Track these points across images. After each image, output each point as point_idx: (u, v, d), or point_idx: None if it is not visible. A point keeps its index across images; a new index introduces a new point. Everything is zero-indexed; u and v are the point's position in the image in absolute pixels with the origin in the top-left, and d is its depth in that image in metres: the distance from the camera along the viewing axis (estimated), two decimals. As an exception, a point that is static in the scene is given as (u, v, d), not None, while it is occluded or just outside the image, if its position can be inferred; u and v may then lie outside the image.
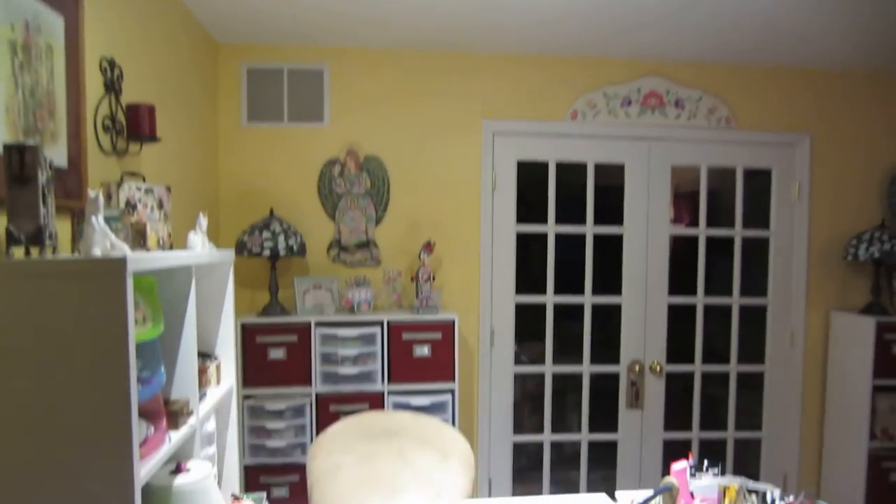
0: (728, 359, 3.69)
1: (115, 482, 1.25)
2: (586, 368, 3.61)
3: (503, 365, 3.55)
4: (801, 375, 3.68)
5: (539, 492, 3.61)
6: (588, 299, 3.58)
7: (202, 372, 2.05)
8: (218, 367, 2.15)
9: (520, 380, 3.60)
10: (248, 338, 3.09)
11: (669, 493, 1.76)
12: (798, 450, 3.70)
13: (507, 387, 3.55)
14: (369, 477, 2.28)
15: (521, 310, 3.56)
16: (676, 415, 3.67)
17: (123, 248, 1.47)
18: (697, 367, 3.67)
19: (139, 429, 1.45)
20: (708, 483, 2.03)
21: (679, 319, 3.64)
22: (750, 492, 1.87)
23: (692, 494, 1.96)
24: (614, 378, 3.64)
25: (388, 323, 3.14)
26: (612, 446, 3.65)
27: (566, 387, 3.66)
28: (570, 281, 3.59)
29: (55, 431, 1.23)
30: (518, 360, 3.60)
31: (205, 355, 2.17)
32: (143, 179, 2.16)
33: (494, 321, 3.52)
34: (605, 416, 3.66)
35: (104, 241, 1.45)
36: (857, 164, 3.68)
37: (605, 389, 3.65)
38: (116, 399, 1.25)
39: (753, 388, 3.74)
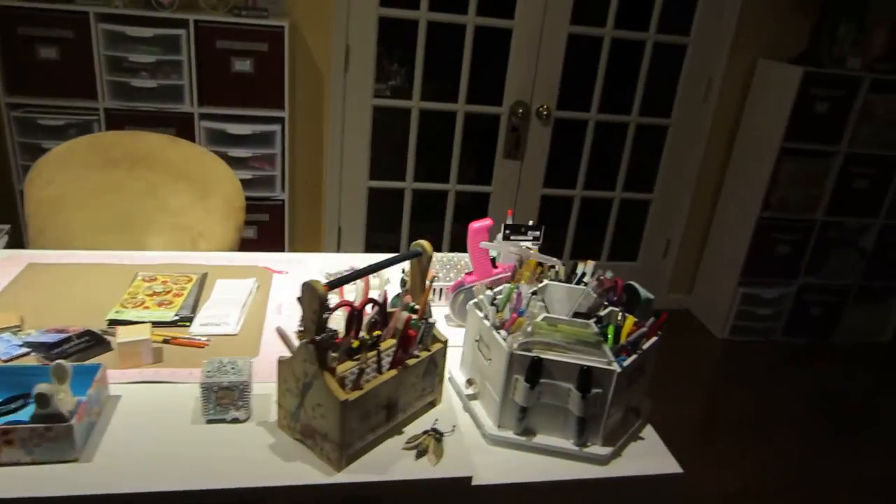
0: (630, 109, 3.15)
1: None
2: (461, 107, 3.03)
3: (360, 94, 2.92)
4: (709, 133, 3.21)
5: (397, 245, 3.26)
6: (471, 20, 2.87)
7: None
8: None
9: (380, 116, 3.02)
10: (7, 28, 2.34)
11: (418, 258, 1.24)
12: (687, 214, 3.37)
13: (363, 123, 2.98)
14: (107, 214, 1.77)
15: (386, 24, 2.84)
16: (560, 169, 3.23)
17: None
18: (593, 116, 3.13)
19: None
20: (517, 251, 1.60)
21: (579, 56, 3.01)
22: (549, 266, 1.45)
23: (494, 262, 1.52)
24: (493, 121, 3.09)
25: (194, 23, 2.41)
26: (482, 199, 3.23)
27: (436, 129, 3.12)
28: (450, -6, 2.85)
29: None
30: (379, 94, 2.98)
31: None
32: None
33: (351, 37, 2.81)
34: (478, 166, 3.19)
35: None
36: None
37: (481, 135, 3.12)
38: None
39: (652, 147, 3.27)
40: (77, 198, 1.73)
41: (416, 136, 3.05)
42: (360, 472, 1.03)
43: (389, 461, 1.05)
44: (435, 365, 1.15)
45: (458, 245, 3.29)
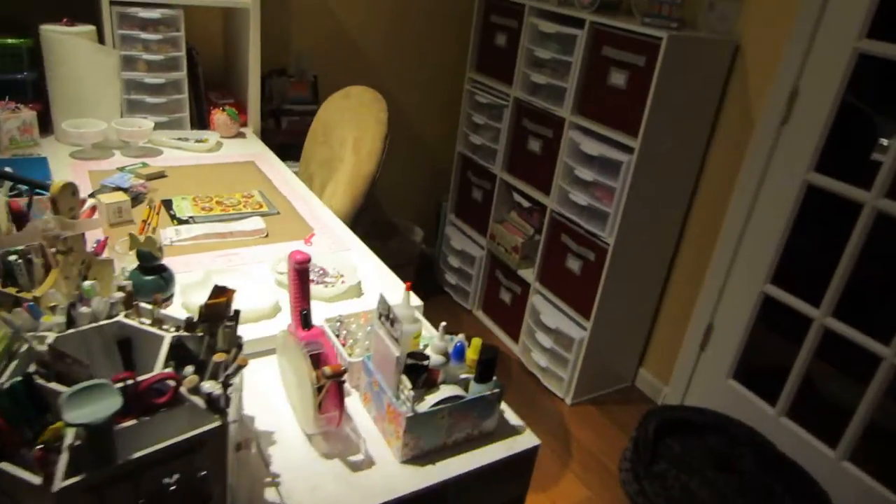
0: None
1: None
2: (952, 231, 1.70)
3: (792, 160, 2.02)
4: None
5: (776, 389, 2.18)
6: None
7: None
8: None
9: (813, 200, 2.01)
10: (485, 15, 2.72)
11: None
12: None
13: (784, 201, 2.06)
14: (322, 152, 1.94)
15: (865, 65, 1.84)
16: None
17: None
18: None
19: None
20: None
21: None
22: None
23: (308, 320, 1.02)
24: None
25: (590, 25, 2.19)
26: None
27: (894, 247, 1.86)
28: None
29: None
30: (823, 168, 1.98)
31: None
32: None
33: (805, 78, 1.95)
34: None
35: None
36: None
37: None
38: None
39: None
40: (319, 132, 1.99)
41: (858, 247, 1.91)
42: None
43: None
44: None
45: (871, 457, 1.97)
